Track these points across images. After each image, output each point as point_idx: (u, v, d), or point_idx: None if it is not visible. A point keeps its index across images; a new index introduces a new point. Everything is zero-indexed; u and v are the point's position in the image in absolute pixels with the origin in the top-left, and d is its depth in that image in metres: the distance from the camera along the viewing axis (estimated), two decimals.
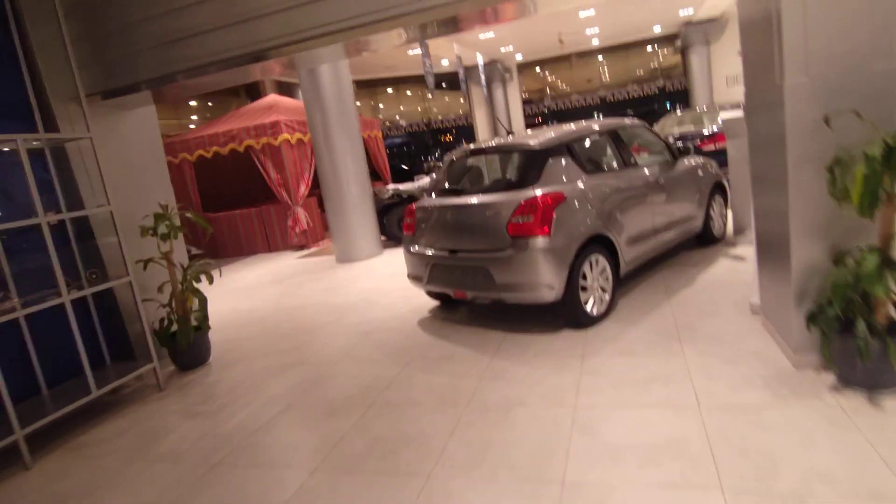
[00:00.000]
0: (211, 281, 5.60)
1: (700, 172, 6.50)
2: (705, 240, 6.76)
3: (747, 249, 6.40)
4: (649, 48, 24.31)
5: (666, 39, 22.67)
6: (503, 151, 5.91)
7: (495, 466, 3.13)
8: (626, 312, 5.13)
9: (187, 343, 5.38)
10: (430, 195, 5.78)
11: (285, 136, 11.12)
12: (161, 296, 5.47)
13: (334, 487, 3.20)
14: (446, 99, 28.02)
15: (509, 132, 6.18)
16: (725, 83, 20.50)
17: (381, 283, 7.83)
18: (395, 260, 9.02)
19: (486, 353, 4.74)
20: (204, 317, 5.57)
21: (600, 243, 5.03)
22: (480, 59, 19.05)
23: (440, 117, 28.05)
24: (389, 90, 27.38)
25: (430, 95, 26.80)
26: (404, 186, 10.79)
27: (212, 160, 12.12)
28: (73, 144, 4.98)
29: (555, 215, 4.66)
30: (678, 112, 12.51)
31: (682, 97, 22.31)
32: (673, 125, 11.04)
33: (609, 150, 5.85)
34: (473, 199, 5.20)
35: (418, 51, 12.34)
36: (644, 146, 6.53)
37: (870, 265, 3.00)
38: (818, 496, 2.51)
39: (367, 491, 3.12)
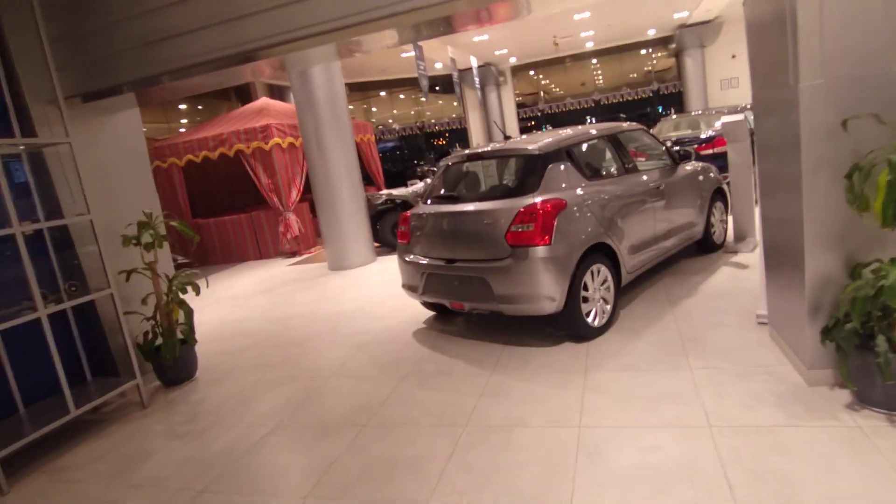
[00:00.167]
0: (198, 292, 5.39)
1: (701, 177, 6.35)
2: (706, 247, 6.60)
3: (749, 257, 6.26)
4: (643, 51, 24.23)
5: (660, 42, 22.59)
6: (501, 156, 5.73)
7: (497, 493, 2.95)
8: (628, 323, 4.96)
9: (172, 357, 5.16)
10: (426, 202, 5.59)
11: (276, 140, 10.92)
12: (145, 308, 5.26)
13: None
14: (440, 102, 27.84)
15: (506, 136, 6.00)
16: (720, 86, 20.41)
17: (375, 292, 7.63)
18: (389, 267, 8.82)
19: (485, 367, 4.56)
20: (190, 330, 5.36)
21: (601, 252, 4.86)
22: (474, 62, 18.89)
23: (434, 121, 27.87)
24: (383, 93, 27.17)
25: (423, 99, 26.61)
26: (398, 191, 10.59)
27: (201, 165, 11.89)
28: (52, 150, 4.76)
29: (556, 223, 4.48)
30: (673, 116, 12.38)
31: (676, 100, 22.22)
32: (670, 129, 10.91)
33: (609, 155, 5.69)
34: (470, 207, 5.02)
35: (412, 53, 12.17)
36: (644, 151, 6.37)
37: (892, 278, 2.84)
38: None
39: None
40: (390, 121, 27.97)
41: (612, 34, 20.28)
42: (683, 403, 3.51)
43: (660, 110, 24.74)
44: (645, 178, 5.60)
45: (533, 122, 25.94)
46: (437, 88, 24.47)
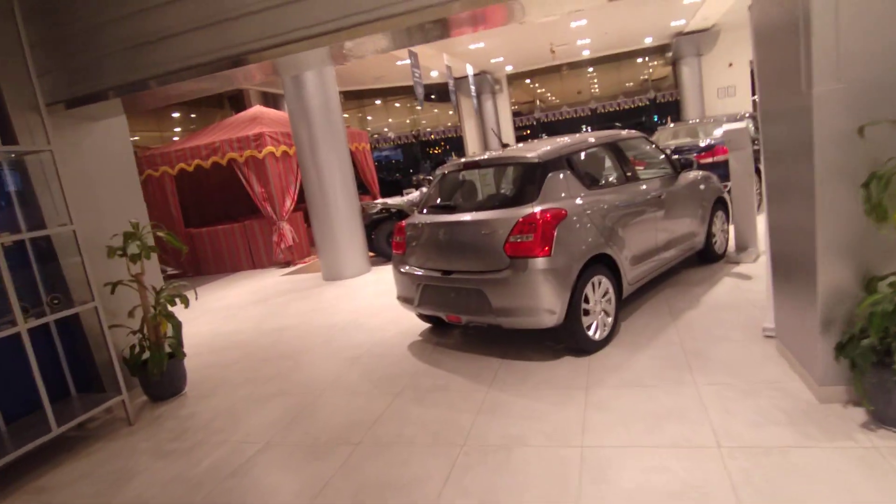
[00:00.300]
0: (186, 304, 5.22)
1: (702, 186, 6.23)
2: (707, 257, 6.47)
3: (751, 267, 6.14)
4: (640, 60, 24.22)
5: (657, 51, 22.57)
6: (498, 165, 5.59)
7: None
8: (629, 337, 4.81)
9: (160, 372, 5.00)
10: (422, 211, 5.44)
11: (270, 148, 10.77)
12: (132, 321, 5.09)
13: None
14: (435, 111, 27.79)
15: (503, 144, 5.85)
16: (717, 95, 20.37)
17: (370, 303, 7.47)
18: (384, 277, 8.67)
19: (483, 382, 4.40)
20: (178, 343, 5.19)
21: (602, 263, 4.72)
22: (470, 70, 18.81)
23: (429, 129, 27.80)
24: (378, 101, 27.10)
25: (419, 107, 26.53)
26: (393, 200, 10.45)
27: (194, 173, 11.74)
28: (35, 158, 4.61)
29: (556, 234, 4.34)
30: (671, 124, 12.29)
31: (673, 109, 22.17)
32: (668, 137, 10.79)
33: (609, 164, 5.56)
34: (467, 216, 4.88)
35: (407, 61, 12.05)
36: (644, 159, 6.25)
37: None
38: None
39: None
40: (386, 129, 27.90)
41: (608, 42, 20.24)
42: (690, 422, 3.36)
43: (655, 119, 24.72)
44: (646, 186, 5.47)
45: (528, 131, 25.88)
46: (433, 97, 24.40)
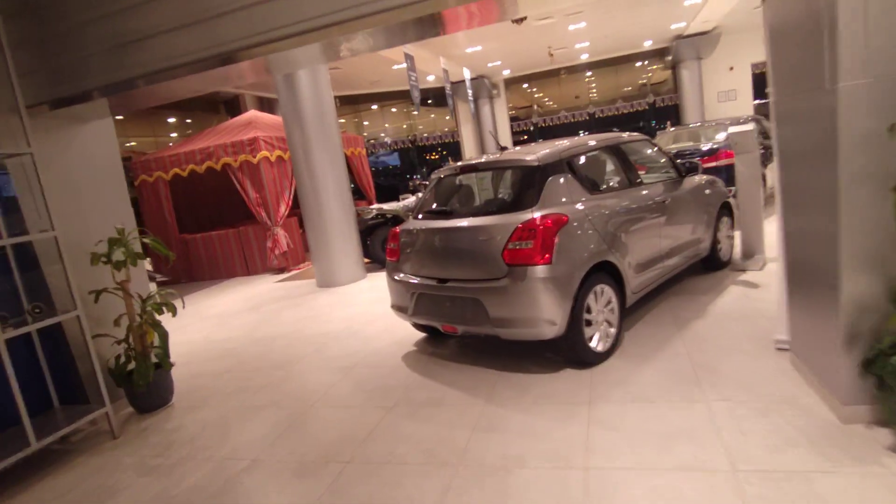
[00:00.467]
0: (174, 313, 5.02)
1: (707, 191, 6.04)
2: (712, 264, 6.28)
3: (759, 275, 5.96)
4: (639, 63, 24.09)
5: (656, 54, 22.42)
6: (496, 168, 5.41)
7: None
8: (633, 348, 4.62)
9: (146, 383, 4.80)
10: (416, 216, 5.24)
11: (264, 153, 10.60)
12: (118, 330, 4.89)
13: None
14: (432, 116, 27.63)
15: (501, 147, 5.66)
16: (717, 99, 20.22)
17: (364, 310, 7.28)
18: (379, 284, 8.47)
19: (479, 396, 4.20)
20: (165, 353, 4.99)
21: (605, 271, 4.53)
22: (467, 74, 18.62)
23: (426, 134, 27.63)
24: (374, 106, 26.94)
25: (415, 111, 26.38)
26: (388, 206, 10.25)
27: (188, 178, 11.55)
28: (16, 162, 4.42)
29: (557, 240, 4.15)
30: (671, 128, 12.12)
31: (672, 114, 22.01)
32: (668, 142, 10.62)
33: (612, 167, 5.38)
34: (464, 222, 4.69)
35: (403, 65, 11.87)
36: (648, 163, 6.06)
37: None
38: None
39: None
40: (382, 134, 27.74)
41: (607, 45, 20.09)
42: (701, 442, 3.16)
43: (653, 124, 24.57)
44: (650, 191, 5.28)
45: (526, 136, 25.73)
46: (430, 101, 24.24)
